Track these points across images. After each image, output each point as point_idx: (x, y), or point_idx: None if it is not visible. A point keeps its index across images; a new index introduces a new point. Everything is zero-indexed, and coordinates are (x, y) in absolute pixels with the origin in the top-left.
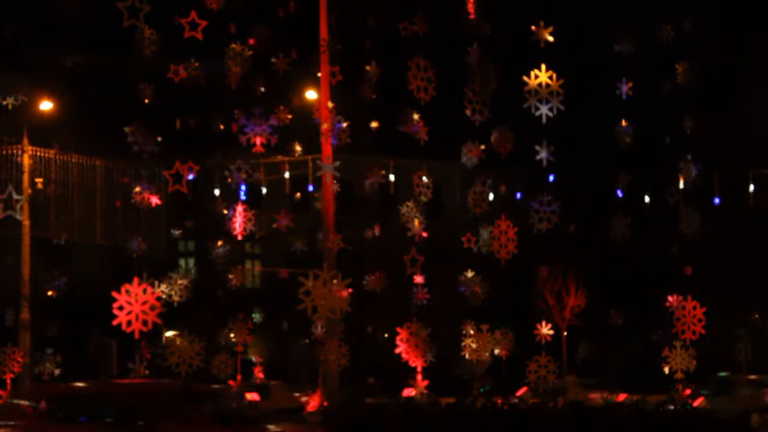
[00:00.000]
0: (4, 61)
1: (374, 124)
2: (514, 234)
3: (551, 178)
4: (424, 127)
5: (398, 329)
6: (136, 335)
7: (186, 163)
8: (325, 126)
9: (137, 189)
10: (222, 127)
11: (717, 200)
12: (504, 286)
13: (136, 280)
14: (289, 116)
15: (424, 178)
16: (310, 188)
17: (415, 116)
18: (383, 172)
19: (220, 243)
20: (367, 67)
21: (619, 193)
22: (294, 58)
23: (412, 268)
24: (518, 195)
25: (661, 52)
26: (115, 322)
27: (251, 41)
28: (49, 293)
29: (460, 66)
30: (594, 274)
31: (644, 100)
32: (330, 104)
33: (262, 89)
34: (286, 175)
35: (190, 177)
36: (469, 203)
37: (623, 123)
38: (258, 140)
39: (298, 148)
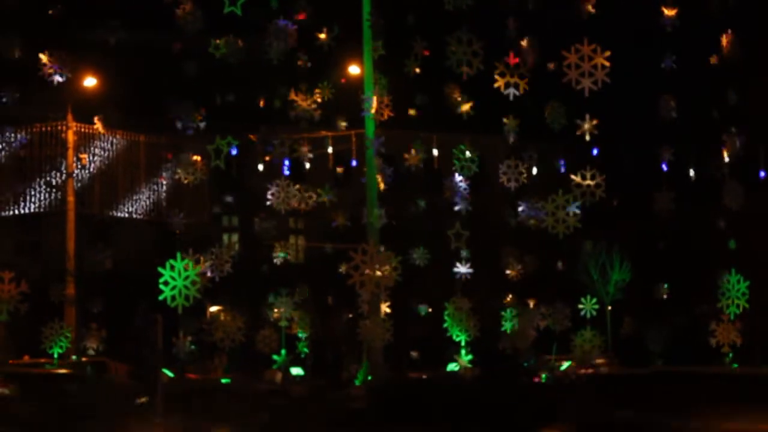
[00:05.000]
0: (50, 39)
1: (412, 112)
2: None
3: (595, 151)
4: (468, 100)
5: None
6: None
7: (226, 139)
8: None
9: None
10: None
11: (762, 173)
12: (548, 260)
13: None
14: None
15: (468, 152)
16: (353, 163)
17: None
18: (419, 157)
19: (258, 218)
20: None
21: (664, 166)
22: (338, 33)
23: (457, 242)
24: (562, 168)
25: (706, 23)
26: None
27: (301, 16)
28: (97, 268)
29: (504, 39)
30: (638, 248)
31: (689, 72)
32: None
33: (307, 64)
34: (329, 150)
35: (234, 151)
36: (501, 178)
37: (668, 95)
38: None
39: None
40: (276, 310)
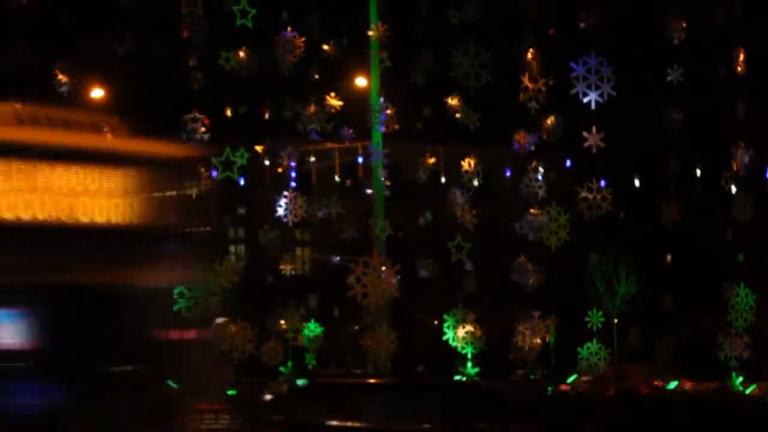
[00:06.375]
0: (58, 48)
1: (419, 125)
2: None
3: (601, 164)
4: (474, 113)
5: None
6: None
7: (239, 151)
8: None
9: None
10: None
11: None
12: (554, 272)
13: None
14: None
15: (473, 164)
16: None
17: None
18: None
19: (262, 230)
20: None
21: (671, 182)
22: (345, 44)
23: (458, 254)
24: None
25: (714, 37)
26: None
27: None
28: None
29: (513, 53)
30: (645, 261)
31: (697, 84)
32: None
33: (315, 76)
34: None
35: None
36: (522, 190)
37: (675, 108)
38: None
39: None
40: (282, 322)
